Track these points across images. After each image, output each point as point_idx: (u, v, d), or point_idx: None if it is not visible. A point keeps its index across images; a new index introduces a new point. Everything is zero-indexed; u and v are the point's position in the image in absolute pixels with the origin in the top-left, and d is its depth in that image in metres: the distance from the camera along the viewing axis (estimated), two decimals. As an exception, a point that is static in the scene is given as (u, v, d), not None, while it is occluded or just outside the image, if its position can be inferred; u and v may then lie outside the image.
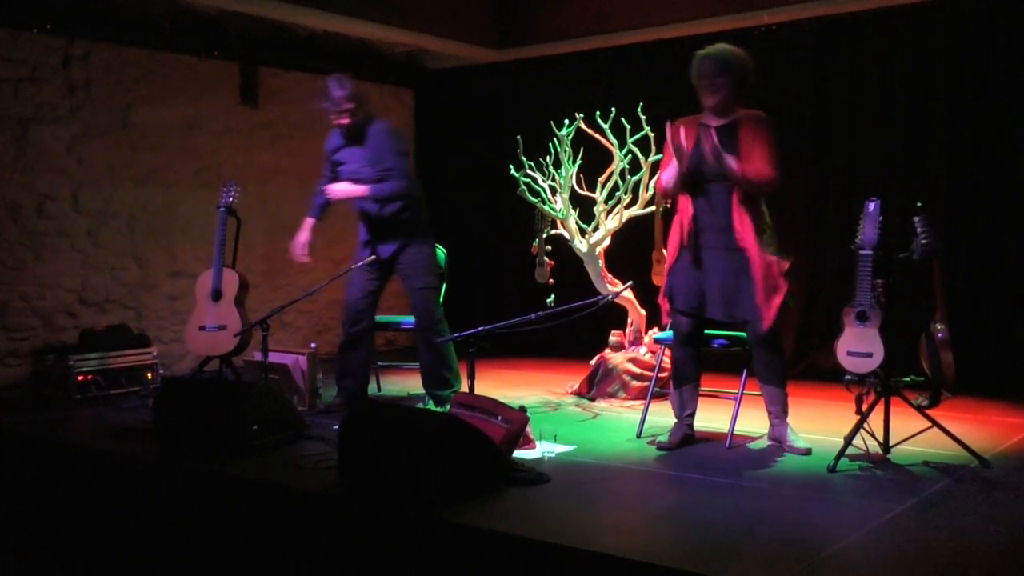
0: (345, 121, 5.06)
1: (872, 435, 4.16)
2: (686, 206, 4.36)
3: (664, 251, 5.62)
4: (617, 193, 5.61)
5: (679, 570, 2.85)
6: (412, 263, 5.21)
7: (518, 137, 5.88)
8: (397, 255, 5.21)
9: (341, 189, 5.12)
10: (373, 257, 5.18)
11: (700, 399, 4.55)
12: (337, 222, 7.65)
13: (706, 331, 4.58)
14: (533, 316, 4.33)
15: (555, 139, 5.74)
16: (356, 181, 5.11)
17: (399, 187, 5.07)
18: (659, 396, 5.19)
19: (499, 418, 3.99)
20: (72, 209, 6.14)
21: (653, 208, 5.64)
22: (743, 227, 4.18)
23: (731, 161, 4.14)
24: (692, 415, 4.51)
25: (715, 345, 4.62)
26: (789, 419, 4.42)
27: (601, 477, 3.97)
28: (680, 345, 4.49)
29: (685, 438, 4.46)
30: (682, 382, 4.49)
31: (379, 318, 5.56)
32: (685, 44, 6.77)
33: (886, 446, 4.18)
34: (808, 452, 4.26)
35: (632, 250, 6.23)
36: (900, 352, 4.20)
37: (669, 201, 5.57)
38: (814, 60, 6.41)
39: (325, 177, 5.30)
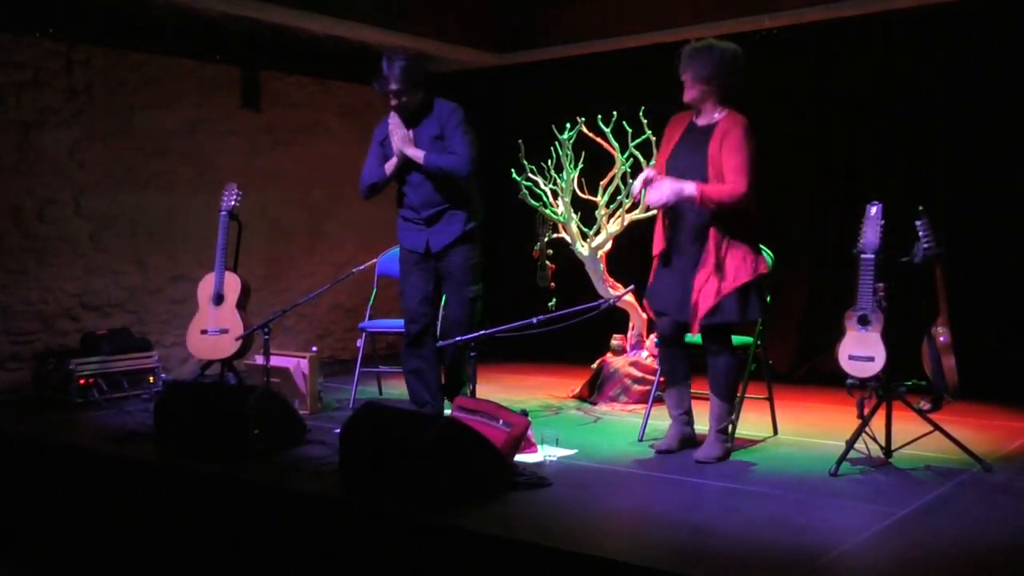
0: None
1: (874, 439, 4.15)
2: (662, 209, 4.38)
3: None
4: (619, 197, 5.62)
5: (680, 574, 2.84)
6: (461, 265, 4.95)
7: (519, 141, 5.89)
8: (446, 252, 4.93)
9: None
10: (373, 261, 5.15)
11: (703, 402, 4.51)
12: (337, 227, 7.68)
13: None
14: (534, 320, 4.33)
15: (556, 143, 5.74)
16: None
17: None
18: (661, 400, 5.16)
19: (500, 422, 3.99)
20: (74, 213, 6.15)
21: (654, 212, 5.63)
22: (712, 232, 4.13)
23: (689, 191, 4.05)
24: (686, 413, 4.46)
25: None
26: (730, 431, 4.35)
27: (602, 481, 3.97)
28: (663, 346, 4.47)
29: (684, 438, 4.42)
30: (670, 383, 4.48)
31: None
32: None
33: (888, 450, 4.18)
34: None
35: (634, 254, 6.22)
36: (902, 356, 4.19)
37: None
38: (815, 64, 6.42)
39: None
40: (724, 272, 4.11)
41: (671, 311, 4.29)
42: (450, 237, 4.92)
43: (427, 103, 4.94)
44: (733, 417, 4.38)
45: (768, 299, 4.63)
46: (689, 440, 4.43)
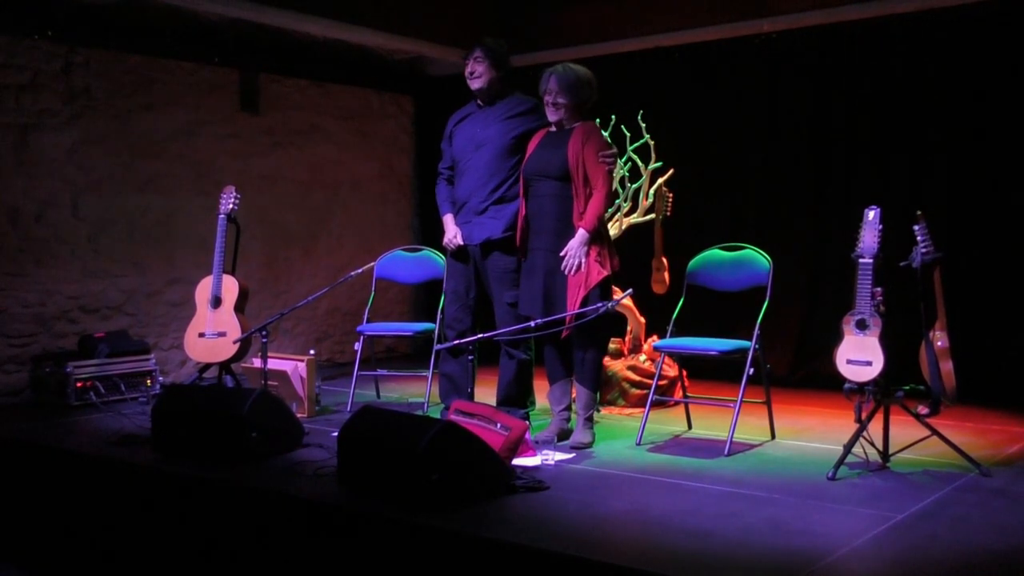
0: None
1: (872, 443, 4.15)
2: (523, 208, 4.68)
3: (664, 259, 5.65)
4: (617, 201, 5.62)
5: (678, 578, 2.85)
6: (502, 266, 4.82)
7: (518, 144, 5.88)
8: (489, 249, 4.81)
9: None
10: (372, 264, 5.14)
11: (701, 407, 4.66)
12: (335, 230, 7.69)
13: (702, 340, 4.68)
14: (533, 323, 4.34)
15: (555, 146, 5.74)
16: None
17: None
18: (659, 404, 5.18)
19: (498, 425, 4.00)
20: (72, 215, 6.15)
21: (653, 216, 5.64)
22: (569, 232, 4.45)
23: (585, 228, 4.42)
24: (567, 408, 4.70)
25: (715, 352, 4.61)
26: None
27: (600, 485, 3.97)
28: (546, 345, 4.70)
29: (562, 432, 4.65)
30: (553, 380, 4.72)
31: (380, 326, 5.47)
32: (685, 52, 6.79)
33: (886, 454, 4.18)
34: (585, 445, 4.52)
35: (632, 258, 6.22)
36: (900, 360, 4.19)
37: (669, 209, 5.59)
38: (813, 68, 6.42)
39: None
40: (588, 270, 4.43)
41: (537, 313, 4.50)
42: (494, 231, 4.78)
43: (507, 92, 5.02)
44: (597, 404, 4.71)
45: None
46: (566, 434, 4.65)
